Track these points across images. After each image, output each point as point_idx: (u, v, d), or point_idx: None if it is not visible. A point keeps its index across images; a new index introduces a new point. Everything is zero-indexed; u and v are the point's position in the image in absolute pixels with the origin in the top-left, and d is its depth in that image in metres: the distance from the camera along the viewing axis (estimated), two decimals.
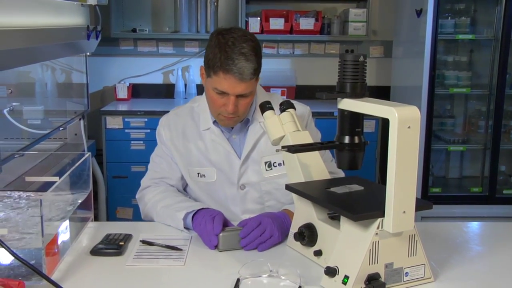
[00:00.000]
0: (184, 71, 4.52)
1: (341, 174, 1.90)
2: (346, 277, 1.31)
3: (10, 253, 1.28)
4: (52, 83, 3.38)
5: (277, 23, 4.22)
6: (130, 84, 4.44)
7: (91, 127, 4.13)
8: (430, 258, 1.44)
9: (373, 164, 4.06)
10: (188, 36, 4.37)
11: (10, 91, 2.72)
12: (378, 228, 1.31)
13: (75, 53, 3.32)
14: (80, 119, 3.45)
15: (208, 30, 4.34)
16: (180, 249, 1.61)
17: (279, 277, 1.43)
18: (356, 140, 1.45)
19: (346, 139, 1.45)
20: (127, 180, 3.84)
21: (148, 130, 3.83)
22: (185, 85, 4.47)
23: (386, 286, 1.34)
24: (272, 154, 1.87)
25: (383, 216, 1.31)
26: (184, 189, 2.01)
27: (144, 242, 1.65)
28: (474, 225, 1.95)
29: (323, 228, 1.50)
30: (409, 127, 1.26)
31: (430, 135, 3.77)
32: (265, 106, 1.70)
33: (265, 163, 1.90)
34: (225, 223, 1.66)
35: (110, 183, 3.92)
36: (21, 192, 1.74)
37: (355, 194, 1.50)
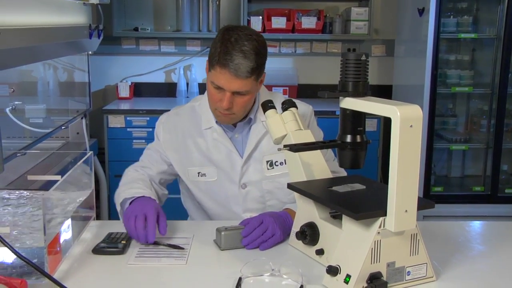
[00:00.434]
0: (186, 70, 4.52)
1: (343, 173, 1.89)
2: (348, 276, 1.31)
3: (13, 252, 1.28)
4: (54, 82, 3.38)
5: (279, 22, 4.22)
6: (132, 83, 4.44)
7: (93, 126, 4.13)
8: (432, 257, 1.44)
9: (375, 163, 4.06)
10: (190, 35, 4.37)
11: (12, 90, 2.72)
12: (380, 227, 1.31)
13: (77, 52, 3.32)
14: (82, 118, 3.45)
15: (210, 29, 4.34)
16: (182, 248, 1.61)
17: (281, 276, 1.43)
18: (358, 139, 1.45)
19: (348, 138, 1.45)
20: None
21: (150, 129, 3.83)
22: (187, 84, 4.47)
23: (388, 285, 1.34)
24: (274, 153, 1.87)
25: (385, 215, 1.31)
26: (162, 184, 1.99)
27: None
28: (476, 224, 1.95)
29: (325, 227, 1.49)
30: (411, 126, 1.26)
31: (432, 134, 3.76)
32: (267, 105, 1.70)
33: (267, 162, 1.90)
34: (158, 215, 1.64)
35: (112, 182, 3.92)
36: (23, 191, 1.74)
37: (357, 193, 1.50)
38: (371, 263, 1.32)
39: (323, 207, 1.52)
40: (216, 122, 1.89)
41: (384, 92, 4.32)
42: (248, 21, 4.20)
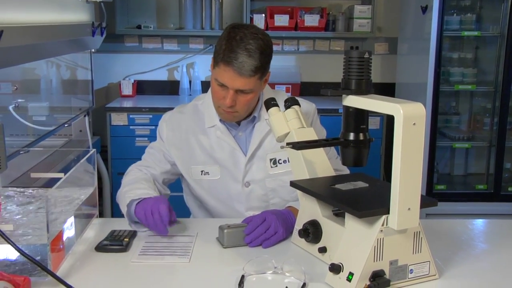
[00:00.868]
0: (188, 68, 4.52)
1: (346, 171, 1.89)
2: (351, 274, 1.31)
3: (16, 249, 1.28)
4: (57, 79, 3.39)
5: (281, 20, 4.22)
6: (134, 80, 4.44)
7: (96, 124, 4.14)
8: (435, 255, 1.44)
9: (378, 161, 4.06)
10: (192, 33, 4.37)
11: (15, 87, 2.72)
12: (382, 225, 1.31)
13: (80, 50, 3.32)
14: (85, 116, 3.46)
15: (212, 27, 4.34)
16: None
17: (284, 274, 1.43)
18: (361, 137, 1.45)
19: (351, 136, 1.45)
20: None
21: (153, 127, 3.84)
22: (190, 81, 4.48)
23: (391, 283, 1.34)
24: (277, 151, 1.87)
25: (388, 213, 1.31)
26: (165, 183, 1.99)
27: None
28: (479, 222, 1.95)
29: (328, 225, 1.49)
30: (414, 124, 1.26)
31: (435, 132, 3.76)
32: (270, 103, 1.70)
33: (270, 160, 1.90)
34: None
35: (115, 179, 3.93)
36: (26, 188, 1.74)
37: (359, 191, 1.50)
38: (374, 261, 1.32)
39: (326, 205, 1.52)
40: (220, 120, 1.89)
41: (387, 90, 4.31)
42: (251, 19, 4.20)
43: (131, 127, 3.92)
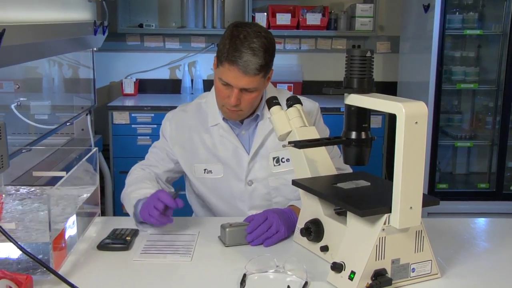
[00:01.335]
0: (190, 67, 4.52)
1: (348, 170, 1.89)
2: (353, 272, 1.31)
3: (18, 248, 1.28)
4: (59, 78, 3.39)
5: (283, 19, 4.22)
6: (136, 79, 4.45)
7: (98, 123, 4.14)
8: (437, 254, 1.44)
9: (380, 160, 4.05)
10: (194, 32, 4.37)
11: (17, 86, 2.72)
12: (384, 224, 1.31)
13: (82, 49, 3.32)
14: (87, 114, 3.46)
15: (214, 26, 4.34)
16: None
17: (286, 273, 1.43)
18: (363, 135, 1.45)
19: (353, 135, 1.45)
20: None
21: (155, 126, 3.84)
22: (192, 80, 4.48)
23: (393, 282, 1.34)
24: (280, 150, 1.87)
25: (390, 212, 1.31)
26: (169, 182, 1.99)
27: None
28: (481, 221, 1.95)
29: (330, 224, 1.49)
30: (416, 122, 1.25)
31: (437, 131, 3.76)
32: (272, 102, 1.70)
33: (273, 158, 1.90)
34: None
35: (117, 178, 3.93)
36: (28, 187, 1.75)
37: (362, 189, 1.50)
38: (376, 260, 1.32)
39: (328, 203, 1.52)
40: (223, 118, 1.89)
41: (389, 88, 4.31)
42: (253, 18, 4.19)
43: (133, 125, 3.92)
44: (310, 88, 4.44)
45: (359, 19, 4.24)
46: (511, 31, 3.64)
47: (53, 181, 1.70)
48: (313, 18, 4.24)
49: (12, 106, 2.56)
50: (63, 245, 1.47)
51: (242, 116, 1.86)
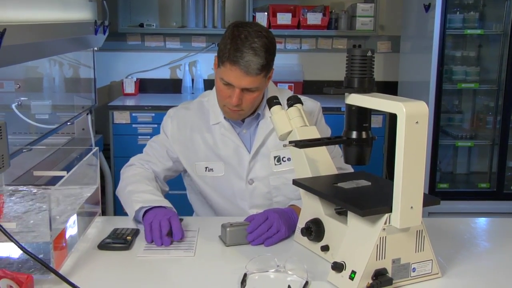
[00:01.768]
0: (191, 66, 4.52)
1: (350, 170, 1.89)
2: (353, 272, 1.31)
3: (19, 247, 1.28)
4: (60, 78, 3.39)
5: (284, 18, 4.22)
6: (137, 79, 4.45)
7: (99, 122, 4.14)
8: (438, 254, 1.44)
9: (380, 160, 4.05)
10: (195, 31, 4.37)
11: (18, 86, 2.73)
12: (385, 223, 1.31)
13: (83, 48, 3.32)
14: (87, 114, 3.46)
15: (215, 25, 4.34)
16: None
17: (286, 272, 1.43)
18: (364, 135, 1.45)
19: (354, 134, 1.45)
20: None
21: (155, 125, 3.84)
22: (192, 80, 4.48)
23: (393, 281, 1.34)
24: (281, 149, 1.87)
25: (391, 211, 1.31)
26: (166, 180, 2.00)
27: None
28: (482, 221, 1.94)
29: (330, 223, 1.49)
30: (417, 122, 1.25)
31: (438, 131, 3.75)
32: (272, 101, 1.70)
33: (274, 157, 1.90)
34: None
35: (118, 178, 3.88)
36: (29, 187, 1.75)
37: (362, 189, 1.49)
38: (377, 260, 1.32)
39: (329, 203, 1.52)
40: (224, 117, 1.89)
41: (389, 88, 4.31)
42: (254, 17, 4.19)
43: (133, 125, 3.92)
44: (310, 88, 4.44)
45: (359, 18, 4.24)
46: None
47: (53, 181, 1.70)
48: (313, 18, 4.24)
49: (13, 106, 2.56)
50: (64, 244, 1.47)
51: (243, 115, 1.86)
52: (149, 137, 3.81)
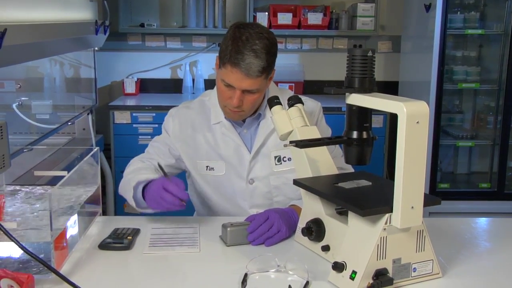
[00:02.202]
0: (191, 66, 4.52)
1: (350, 170, 1.89)
2: (354, 272, 1.31)
3: (20, 247, 1.28)
4: (61, 78, 3.39)
5: (285, 18, 4.22)
6: (138, 79, 4.45)
7: (99, 122, 4.15)
8: (438, 254, 1.44)
9: (381, 159, 4.05)
10: (196, 31, 4.37)
11: (18, 85, 2.73)
12: (386, 223, 1.31)
13: (83, 48, 3.33)
14: (88, 114, 3.46)
15: (215, 25, 4.34)
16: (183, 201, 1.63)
17: (287, 272, 1.43)
18: (364, 135, 1.45)
19: (354, 134, 1.45)
20: None
21: (156, 125, 3.84)
22: (193, 80, 4.48)
23: (394, 281, 1.34)
24: (282, 149, 1.87)
25: (391, 211, 1.30)
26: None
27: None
28: (483, 221, 1.94)
29: (331, 223, 1.49)
30: (417, 122, 1.25)
31: (439, 131, 3.75)
32: (273, 101, 1.70)
33: (275, 157, 1.90)
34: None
35: (118, 177, 3.91)
36: (30, 186, 1.75)
37: (363, 189, 1.49)
38: (377, 260, 1.32)
39: (329, 203, 1.52)
40: (225, 117, 1.89)
41: (390, 88, 4.31)
42: (254, 17, 4.19)
43: (134, 125, 3.92)
44: (311, 88, 4.44)
45: (360, 18, 4.24)
46: None
47: (54, 181, 1.70)
48: (314, 18, 4.24)
49: (14, 106, 2.56)
50: (65, 244, 1.47)
51: (244, 116, 1.86)
52: (149, 137, 3.82)
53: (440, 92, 3.68)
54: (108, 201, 3.90)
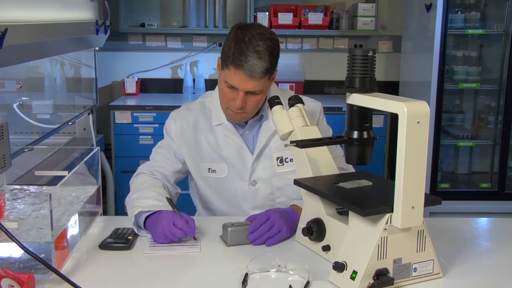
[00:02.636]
0: (192, 66, 4.52)
1: (351, 170, 1.89)
2: (355, 272, 1.31)
3: (20, 247, 1.28)
4: (61, 77, 3.39)
5: (285, 18, 4.21)
6: (138, 79, 4.45)
7: (100, 122, 4.15)
8: (439, 254, 1.44)
9: (381, 159, 4.05)
10: (196, 31, 4.37)
11: (19, 85, 2.73)
12: (386, 223, 1.31)
13: (84, 48, 3.33)
14: (89, 114, 3.47)
15: (216, 25, 4.34)
16: (195, 238, 1.63)
17: (287, 272, 1.43)
18: (365, 135, 1.45)
19: (355, 134, 1.45)
20: None
21: (157, 125, 3.84)
22: (194, 80, 4.48)
23: (395, 281, 1.34)
24: (284, 150, 1.87)
25: (392, 211, 1.30)
26: (175, 182, 1.97)
27: None
28: (483, 221, 1.94)
29: (332, 223, 1.49)
30: (418, 122, 1.25)
31: (439, 131, 3.75)
32: (274, 101, 1.70)
33: (277, 158, 1.89)
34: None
35: (119, 177, 3.93)
36: (30, 186, 1.75)
37: (363, 189, 1.49)
38: (378, 260, 1.32)
39: (330, 203, 1.52)
40: (227, 119, 1.89)
41: (391, 88, 4.31)
42: (255, 17, 4.19)
43: (134, 125, 3.92)
44: (312, 88, 4.44)
45: (361, 18, 4.24)
46: None
47: (55, 181, 1.70)
48: (315, 18, 4.23)
49: (14, 106, 2.56)
50: (65, 244, 1.48)
51: (246, 118, 1.85)
52: (150, 137, 3.83)
53: (441, 92, 3.67)
54: (108, 201, 3.90)
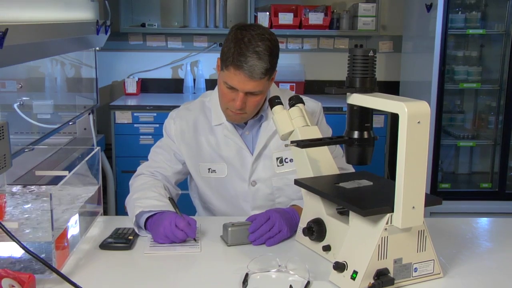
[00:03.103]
0: (193, 66, 4.52)
1: (351, 170, 1.89)
2: (355, 272, 1.31)
3: (21, 247, 1.28)
4: (62, 77, 3.40)
5: (286, 18, 4.21)
6: (139, 79, 4.45)
7: (100, 122, 4.15)
8: (439, 254, 1.44)
9: (382, 160, 4.05)
10: (197, 31, 4.37)
11: (20, 85, 2.73)
12: (387, 223, 1.31)
13: (85, 48, 3.33)
14: (89, 114, 3.47)
15: (217, 25, 4.34)
16: (195, 240, 1.63)
17: (288, 272, 1.43)
18: (365, 135, 1.45)
19: (355, 134, 1.45)
20: None
21: (157, 125, 3.85)
22: (194, 80, 4.48)
23: (395, 281, 1.33)
24: (283, 150, 1.87)
25: (392, 211, 1.30)
26: (176, 183, 1.97)
27: None
28: (484, 221, 1.94)
29: (332, 223, 1.49)
30: (418, 122, 1.25)
31: (440, 131, 3.75)
32: (274, 101, 1.70)
33: (277, 158, 1.89)
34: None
35: (119, 177, 3.93)
36: (31, 186, 1.75)
37: (364, 189, 1.49)
38: (378, 260, 1.32)
39: (330, 203, 1.52)
40: (227, 119, 1.89)
41: (391, 88, 4.30)
42: (255, 17, 4.19)
43: (135, 125, 3.92)
44: (312, 88, 4.44)
45: (361, 18, 4.24)
46: None
47: (55, 180, 1.70)
48: (315, 18, 4.23)
49: (15, 106, 2.57)
50: (66, 244, 1.48)
51: (246, 118, 1.85)
52: (150, 136, 3.83)
53: (441, 92, 3.67)
54: (109, 201, 3.90)
